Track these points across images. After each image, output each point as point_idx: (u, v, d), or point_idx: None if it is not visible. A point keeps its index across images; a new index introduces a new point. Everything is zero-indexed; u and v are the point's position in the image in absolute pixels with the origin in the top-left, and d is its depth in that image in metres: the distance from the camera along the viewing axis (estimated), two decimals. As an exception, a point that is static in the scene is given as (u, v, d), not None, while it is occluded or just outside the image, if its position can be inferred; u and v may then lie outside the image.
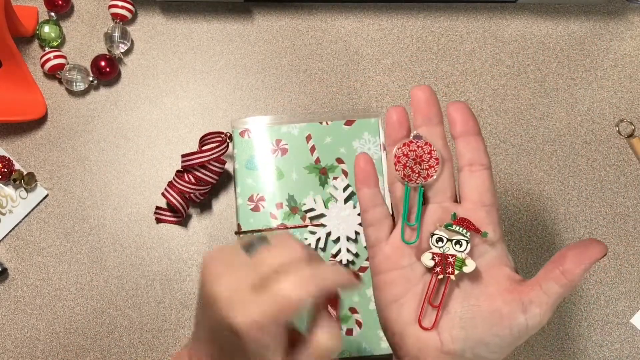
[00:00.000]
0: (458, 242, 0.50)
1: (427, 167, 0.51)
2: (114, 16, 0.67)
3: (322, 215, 0.59)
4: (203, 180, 0.61)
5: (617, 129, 0.68)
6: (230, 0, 0.68)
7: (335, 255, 0.58)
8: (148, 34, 0.68)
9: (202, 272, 0.41)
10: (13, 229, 0.64)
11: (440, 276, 0.49)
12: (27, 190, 0.65)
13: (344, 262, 0.58)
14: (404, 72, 0.68)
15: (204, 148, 0.61)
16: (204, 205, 0.65)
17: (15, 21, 0.63)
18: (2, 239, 0.64)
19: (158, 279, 0.64)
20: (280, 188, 0.59)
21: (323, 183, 0.59)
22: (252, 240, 0.43)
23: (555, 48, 0.69)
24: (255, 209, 0.59)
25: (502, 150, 0.67)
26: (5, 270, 0.63)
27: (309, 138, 0.60)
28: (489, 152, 0.67)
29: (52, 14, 0.67)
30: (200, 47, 0.68)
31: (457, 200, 0.48)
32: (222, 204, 0.65)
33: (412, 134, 0.51)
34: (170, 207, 0.64)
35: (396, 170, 0.51)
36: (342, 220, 0.58)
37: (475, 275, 0.47)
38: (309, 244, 0.58)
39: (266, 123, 0.60)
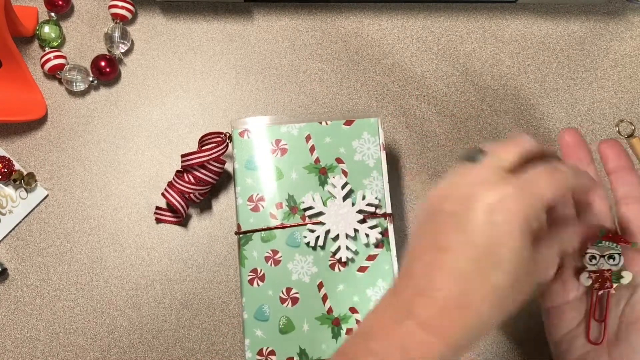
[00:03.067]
0: (611, 257, 0.52)
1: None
2: (114, 16, 0.67)
3: (320, 213, 0.59)
4: (203, 181, 0.61)
5: (617, 129, 0.68)
6: (230, 0, 0.68)
7: (334, 253, 0.58)
8: (148, 34, 0.68)
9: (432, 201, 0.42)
10: (13, 229, 0.64)
11: (600, 292, 0.52)
12: (27, 191, 0.65)
13: (344, 259, 0.58)
14: (404, 72, 0.68)
15: (203, 148, 0.61)
16: (204, 205, 0.65)
17: (15, 21, 0.63)
18: (2, 239, 0.64)
19: (158, 279, 0.64)
20: (279, 188, 0.59)
21: (323, 183, 0.59)
22: (469, 154, 0.43)
23: (555, 48, 0.69)
24: (255, 209, 0.59)
25: (502, 150, 0.67)
26: (5, 270, 0.63)
27: (308, 138, 0.60)
28: (489, 152, 0.67)
29: (52, 14, 0.67)
30: (200, 47, 0.68)
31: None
32: (222, 204, 0.65)
33: None
34: (170, 207, 0.64)
35: None
36: (341, 217, 0.58)
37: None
38: (308, 242, 0.58)
39: (266, 123, 0.60)
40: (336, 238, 0.58)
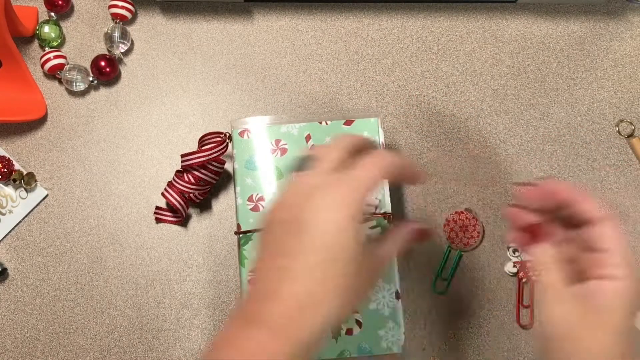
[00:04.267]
0: None
1: (469, 236, 0.63)
2: (114, 16, 0.67)
3: None
4: (203, 180, 0.61)
5: (617, 129, 0.68)
6: (230, 0, 0.68)
7: None
8: (148, 34, 0.68)
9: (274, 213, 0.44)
10: (13, 229, 0.64)
11: (524, 280, 0.62)
12: (27, 190, 0.65)
13: None
14: (404, 72, 0.68)
15: (203, 148, 0.61)
16: (204, 206, 0.65)
17: (15, 21, 0.63)
18: (2, 239, 0.64)
19: (158, 279, 0.64)
20: (279, 188, 0.59)
21: None
22: (298, 163, 0.46)
23: (555, 48, 0.69)
24: (255, 209, 0.59)
25: (502, 150, 0.67)
26: (5, 270, 0.63)
27: (308, 138, 0.60)
28: (489, 152, 0.67)
29: (52, 14, 0.67)
30: (200, 47, 0.68)
31: None
32: (222, 204, 0.65)
33: (464, 207, 0.63)
34: (170, 207, 0.64)
35: (443, 231, 0.63)
36: None
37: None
38: None
39: (265, 123, 0.60)
40: None
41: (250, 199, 0.59)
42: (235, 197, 0.59)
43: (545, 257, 0.48)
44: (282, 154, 0.60)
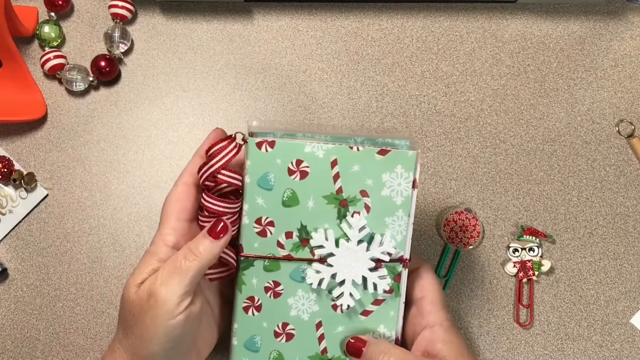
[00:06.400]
0: (531, 249, 0.63)
1: (469, 236, 0.64)
2: (114, 16, 0.67)
3: (330, 255, 0.52)
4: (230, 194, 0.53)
5: (617, 129, 0.68)
6: (230, 0, 0.68)
7: (337, 298, 0.53)
8: (148, 34, 0.68)
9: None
10: (13, 229, 0.64)
11: (525, 280, 0.63)
12: (27, 190, 0.65)
13: (345, 306, 0.52)
14: (404, 72, 0.68)
15: (211, 156, 0.51)
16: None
17: (15, 21, 0.63)
18: (2, 239, 0.64)
19: (158, 279, 0.64)
20: (292, 215, 0.52)
21: (341, 216, 0.52)
22: None
23: (555, 48, 0.69)
24: (262, 233, 0.52)
25: (502, 150, 0.67)
26: (5, 270, 0.63)
27: (334, 163, 0.52)
28: (489, 152, 0.67)
29: (52, 14, 0.67)
30: (200, 47, 0.68)
31: None
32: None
33: (464, 207, 0.64)
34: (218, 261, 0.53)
35: (443, 231, 0.64)
36: (351, 262, 0.52)
37: None
38: (311, 284, 0.52)
39: (288, 137, 0.52)
40: (342, 283, 0.52)
41: (258, 221, 0.52)
42: (242, 215, 0.52)
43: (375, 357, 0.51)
44: (301, 177, 0.51)
